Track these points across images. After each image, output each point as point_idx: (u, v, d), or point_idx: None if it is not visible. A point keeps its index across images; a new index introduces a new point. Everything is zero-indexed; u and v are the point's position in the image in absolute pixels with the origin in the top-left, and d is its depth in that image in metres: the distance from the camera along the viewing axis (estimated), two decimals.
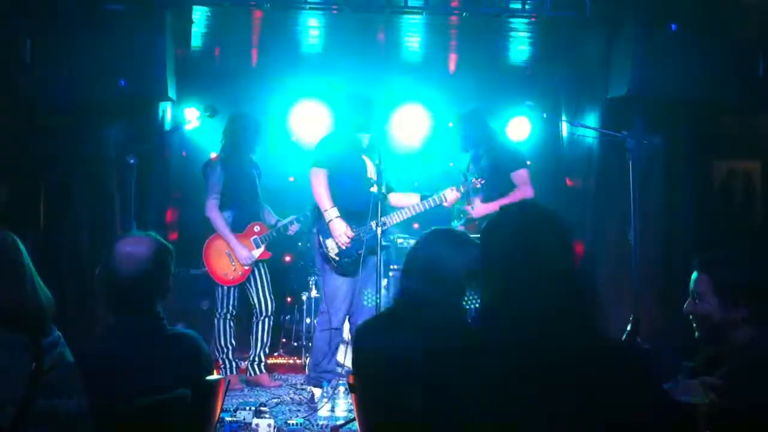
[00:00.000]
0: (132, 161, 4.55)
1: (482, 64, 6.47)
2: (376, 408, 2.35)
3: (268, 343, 5.30)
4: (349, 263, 4.55)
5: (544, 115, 5.16)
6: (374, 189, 4.53)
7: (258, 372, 5.25)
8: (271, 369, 5.56)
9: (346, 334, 4.92)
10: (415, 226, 6.40)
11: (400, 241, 5.97)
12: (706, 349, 2.49)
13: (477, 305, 2.37)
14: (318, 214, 4.66)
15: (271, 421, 3.91)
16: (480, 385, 1.61)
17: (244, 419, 3.96)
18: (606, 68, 5.27)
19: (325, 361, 4.65)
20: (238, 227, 5.17)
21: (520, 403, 1.55)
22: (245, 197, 5.19)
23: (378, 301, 4.26)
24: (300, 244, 6.66)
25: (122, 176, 4.82)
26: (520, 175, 5.01)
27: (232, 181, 5.13)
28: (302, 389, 5.03)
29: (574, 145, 6.18)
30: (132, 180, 4.54)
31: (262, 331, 5.25)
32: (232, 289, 5.19)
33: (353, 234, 4.53)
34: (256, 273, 5.23)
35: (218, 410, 2.43)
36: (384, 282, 5.53)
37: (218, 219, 5.09)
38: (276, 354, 5.57)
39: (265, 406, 4.21)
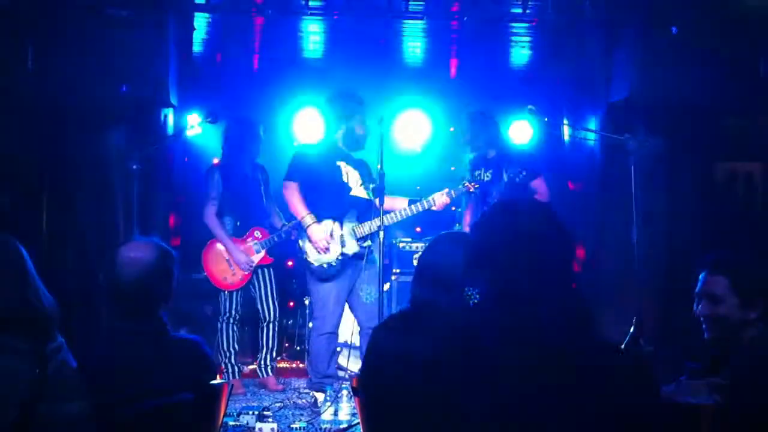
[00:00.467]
0: (134, 167, 4.57)
1: (483, 68, 6.48)
2: (382, 410, 2.35)
3: (275, 347, 5.31)
4: (325, 269, 4.54)
5: (546, 119, 5.16)
6: (356, 193, 4.59)
7: (266, 374, 5.28)
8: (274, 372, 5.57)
9: (348, 338, 4.92)
10: (418, 229, 6.40)
11: (402, 245, 5.97)
12: (710, 350, 2.49)
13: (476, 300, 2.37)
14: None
15: (275, 425, 3.91)
16: (488, 391, 1.61)
17: (247, 423, 3.96)
18: (607, 71, 5.28)
19: (324, 366, 4.65)
20: (239, 232, 5.19)
21: (522, 405, 1.55)
22: (245, 202, 5.19)
23: (380, 297, 4.25)
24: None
25: (125, 182, 4.84)
26: (539, 185, 4.98)
27: (231, 186, 5.14)
28: (305, 393, 5.03)
29: (575, 149, 6.19)
30: (135, 185, 4.56)
31: (268, 335, 5.28)
32: (234, 293, 5.19)
33: (329, 237, 4.53)
34: (261, 278, 5.25)
35: (221, 415, 2.44)
36: (386, 286, 5.55)
37: (215, 225, 5.11)
38: (279, 358, 5.57)
39: (268, 410, 4.22)
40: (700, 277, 2.43)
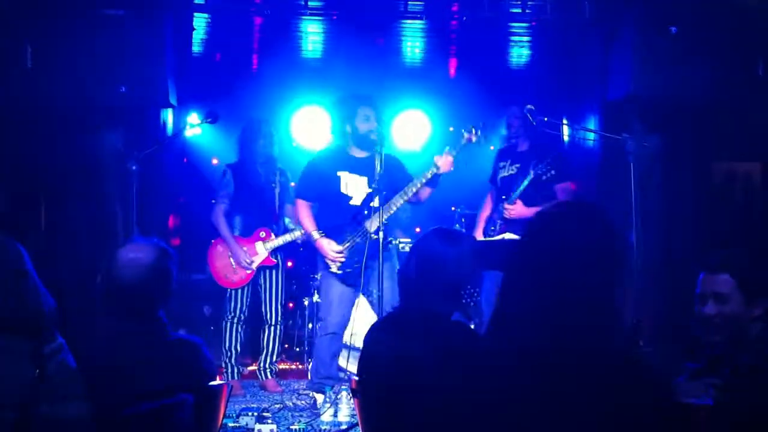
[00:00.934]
0: (133, 167, 4.57)
1: (482, 68, 6.48)
2: (380, 411, 2.35)
3: (275, 350, 5.31)
4: (350, 274, 4.56)
5: (545, 119, 5.15)
6: (357, 201, 4.58)
7: (265, 377, 5.30)
8: None
9: (348, 339, 4.92)
10: (417, 230, 6.40)
11: (401, 245, 5.96)
12: (708, 351, 2.48)
13: (475, 301, 2.36)
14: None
15: (274, 427, 3.91)
16: (487, 391, 1.58)
17: (246, 425, 3.96)
18: (605, 71, 5.27)
19: (325, 367, 4.65)
20: (246, 232, 5.24)
21: (527, 413, 1.53)
22: (253, 203, 5.23)
23: (380, 297, 4.25)
24: (302, 249, 6.67)
25: (123, 182, 4.83)
26: (565, 189, 4.85)
27: (241, 186, 5.22)
28: (305, 394, 5.03)
29: (574, 148, 6.18)
30: (133, 186, 4.55)
31: (269, 338, 5.29)
32: (237, 293, 5.21)
33: (340, 248, 4.54)
34: (266, 280, 5.27)
35: (221, 416, 2.43)
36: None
37: (220, 223, 5.17)
38: (278, 360, 5.58)
39: (267, 411, 4.22)
40: (701, 277, 2.41)
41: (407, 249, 5.90)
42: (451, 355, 2.19)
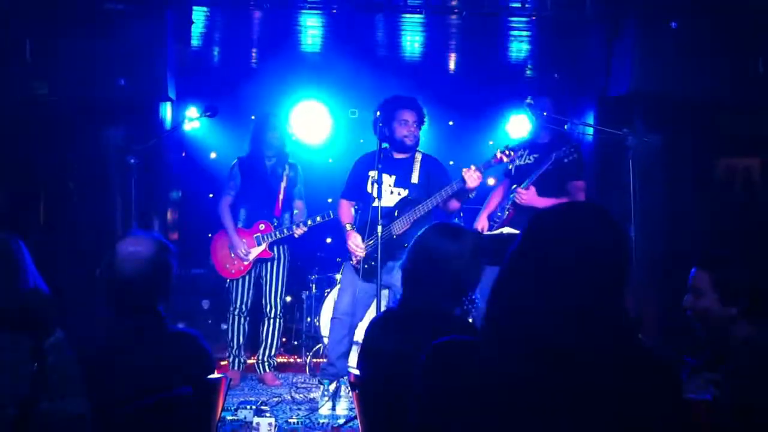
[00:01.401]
0: (132, 161, 4.57)
1: (482, 62, 6.46)
2: (378, 405, 2.35)
3: (273, 344, 5.33)
4: (366, 269, 4.61)
5: (545, 114, 5.14)
6: (377, 202, 4.59)
7: (264, 370, 5.34)
8: None
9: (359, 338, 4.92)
10: None
11: (405, 245, 5.96)
12: (708, 347, 2.50)
13: (475, 307, 2.36)
14: (305, 221, 5.20)
15: (272, 420, 3.92)
16: (488, 388, 1.54)
17: (245, 418, 3.97)
18: (606, 66, 5.26)
19: (332, 352, 4.70)
20: (248, 224, 5.31)
21: (528, 409, 1.51)
22: (256, 196, 5.30)
23: (378, 297, 4.26)
24: (301, 243, 6.67)
25: (123, 176, 4.83)
26: (578, 186, 4.87)
27: (245, 180, 5.32)
28: (303, 388, 5.04)
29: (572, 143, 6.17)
30: (133, 180, 4.55)
31: (267, 331, 5.34)
32: (237, 284, 5.26)
33: (363, 245, 4.61)
34: (267, 273, 5.30)
35: (219, 409, 2.44)
36: None
37: (223, 213, 5.29)
38: (277, 353, 5.59)
39: (265, 404, 4.22)
40: (691, 272, 2.49)
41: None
42: (448, 353, 2.19)
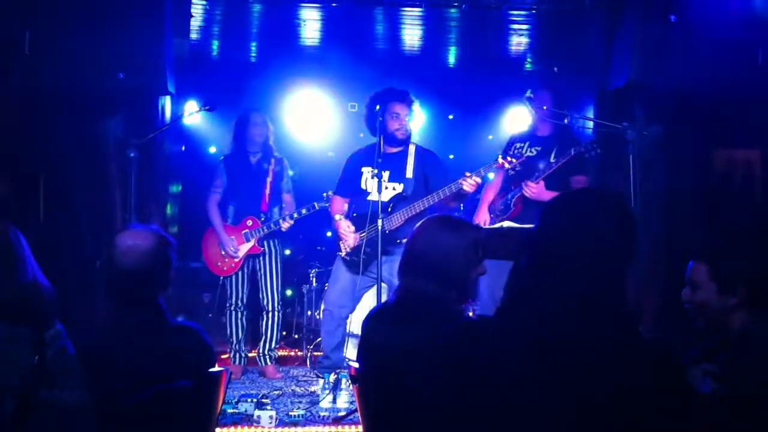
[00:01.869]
0: (132, 154, 4.57)
1: (482, 56, 6.46)
2: (379, 398, 2.36)
3: (274, 337, 5.36)
4: (355, 262, 4.62)
5: (545, 107, 5.14)
6: (374, 197, 4.59)
7: (265, 363, 5.36)
8: None
9: (352, 328, 4.93)
10: None
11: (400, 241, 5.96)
12: (706, 338, 2.50)
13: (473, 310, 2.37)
14: (291, 214, 5.23)
15: (273, 413, 3.93)
16: (492, 377, 1.59)
17: (245, 411, 3.98)
18: (606, 59, 5.25)
19: (325, 345, 4.75)
20: (236, 221, 5.33)
21: (534, 398, 1.54)
22: (243, 192, 5.32)
23: (378, 295, 4.26)
24: (301, 237, 6.68)
25: (122, 169, 4.83)
26: (580, 181, 4.87)
27: (231, 177, 5.34)
28: (304, 381, 5.05)
29: (574, 137, 6.17)
30: (132, 173, 4.56)
31: (267, 324, 5.36)
32: (231, 281, 5.30)
33: (353, 228, 4.63)
34: (261, 267, 5.33)
35: (220, 402, 2.44)
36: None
37: (211, 212, 5.32)
38: (278, 346, 5.61)
39: (266, 397, 4.23)
40: (689, 264, 2.49)
41: None
42: (449, 344, 2.19)
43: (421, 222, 2.45)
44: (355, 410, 3.90)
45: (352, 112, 6.98)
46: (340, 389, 4.31)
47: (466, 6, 5.29)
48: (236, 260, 5.24)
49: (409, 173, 4.65)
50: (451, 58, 6.72)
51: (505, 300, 1.68)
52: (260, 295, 5.35)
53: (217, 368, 2.38)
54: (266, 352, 5.34)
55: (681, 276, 2.56)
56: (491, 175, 5.19)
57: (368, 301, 4.83)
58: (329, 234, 6.78)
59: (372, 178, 4.63)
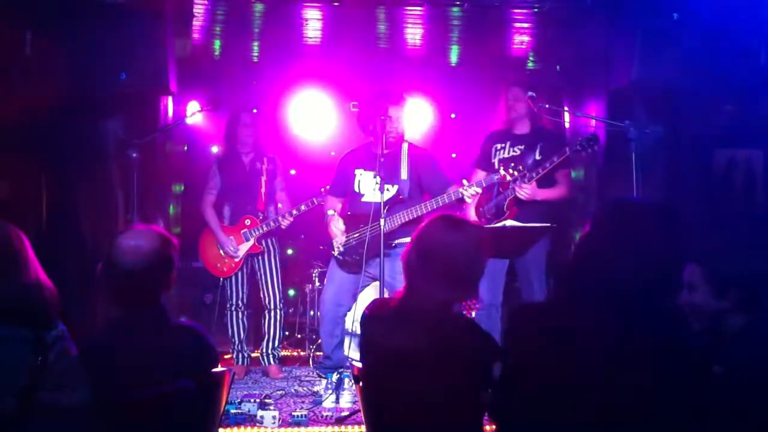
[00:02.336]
0: (134, 155, 4.58)
1: (484, 55, 6.45)
2: (382, 399, 2.35)
3: (277, 336, 5.36)
4: (349, 262, 4.61)
5: (546, 106, 5.13)
6: (369, 198, 4.59)
7: (268, 363, 5.36)
8: None
9: (350, 327, 4.93)
10: None
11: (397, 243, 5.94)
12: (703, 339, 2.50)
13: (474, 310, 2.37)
14: (289, 212, 5.21)
15: (276, 413, 3.93)
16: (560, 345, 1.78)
17: (248, 411, 3.98)
18: (608, 58, 5.25)
19: (325, 344, 4.74)
20: (233, 221, 5.33)
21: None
22: (238, 192, 5.32)
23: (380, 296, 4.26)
24: (303, 236, 6.68)
25: (124, 170, 4.83)
26: (566, 174, 4.85)
27: (224, 178, 5.34)
28: (307, 381, 5.05)
29: (576, 136, 6.17)
30: (134, 173, 4.56)
31: (269, 324, 5.37)
32: (232, 280, 5.30)
33: (342, 227, 4.63)
34: (261, 267, 5.32)
35: (223, 402, 2.44)
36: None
37: (207, 213, 5.32)
38: (280, 346, 5.62)
39: (269, 398, 4.23)
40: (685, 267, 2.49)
41: None
42: (452, 344, 2.20)
43: (433, 222, 2.44)
44: (358, 410, 3.89)
45: (354, 112, 6.97)
46: (343, 389, 4.31)
47: (467, 5, 5.28)
48: (236, 260, 5.24)
49: (404, 174, 4.64)
50: (453, 57, 6.71)
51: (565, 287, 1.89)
52: (261, 295, 5.35)
53: (219, 368, 2.38)
54: (269, 351, 5.34)
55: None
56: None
57: (366, 300, 4.83)
58: None
59: (373, 178, 4.62)
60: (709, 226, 4.88)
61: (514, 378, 1.91)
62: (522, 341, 1.91)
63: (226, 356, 5.46)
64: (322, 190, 5.16)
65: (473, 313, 4.88)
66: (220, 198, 5.35)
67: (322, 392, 4.46)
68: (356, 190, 4.72)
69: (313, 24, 5.84)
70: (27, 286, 1.92)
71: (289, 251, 6.75)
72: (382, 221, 4.27)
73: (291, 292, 6.53)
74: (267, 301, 5.34)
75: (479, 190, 4.42)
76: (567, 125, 6.39)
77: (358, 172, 4.74)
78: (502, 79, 6.29)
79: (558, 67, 6.48)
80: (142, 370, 2.18)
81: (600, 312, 1.75)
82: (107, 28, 4.70)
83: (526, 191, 4.59)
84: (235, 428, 3.85)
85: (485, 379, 2.24)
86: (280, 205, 5.39)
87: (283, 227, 5.23)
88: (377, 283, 4.41)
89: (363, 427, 3.67)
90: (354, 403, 4.19)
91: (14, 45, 4.55)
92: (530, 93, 4.91)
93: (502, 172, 4.44)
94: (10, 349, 1.81)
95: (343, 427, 3.91)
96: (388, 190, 4.56)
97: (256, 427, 3.88)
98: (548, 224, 4.63)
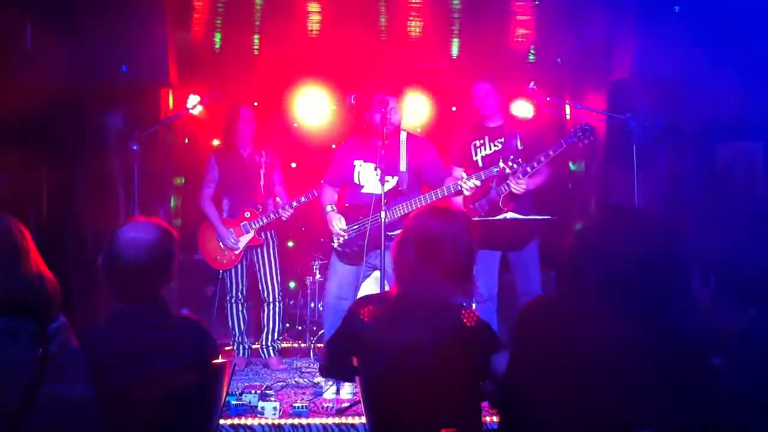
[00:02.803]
0: (135, 147, 4.58)
1: (484, 47, 6.43)
2: (382, 391, 2.36)
3: (276, 328, 5.37)
4: (349, 254, 4.61)
5: (548, 98, 5.12)
6: (369, 189, 4.59)
7: (267, 355, 5.38)
8: None
9: None
10: None
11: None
12: (708, 336, 2.50)
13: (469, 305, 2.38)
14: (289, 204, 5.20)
15: (277, 404, 3.94)
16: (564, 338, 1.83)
17: (249, 402, 3.99)
18: (609, 50, 5.24)
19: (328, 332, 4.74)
20: (233, 214, 5.33)
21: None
22: (237, 185, 5.32)
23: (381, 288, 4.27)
24: (304, 228, 6.69)
25: (125, 162, 4.84)
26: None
27: (224, 170, 5.33)
28: (307, 373, 5.07)
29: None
30: (135, 166, 4.56)
31: (268, 316, 5.38)
32: (232, 273, 5.31)
33: (343, 225, 4.62)
34: (260, 259, 5.32)
35: (224, 394, 2.45)
36: None
37: (206, 206, 5.32)
38: (281, 338, 5.63)
39: (270, 389, 4.25)
40: None
41: None
42: (448, 338, 2.21)
43: (414, 214, 2.44)
44: (359, 401, 3.91)
45: (353, 104, 6.96)
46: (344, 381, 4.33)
47: None
48: (236, 253, 5.25)
49: (403, 166, 4.64)
50: (454, 50, 6.70)
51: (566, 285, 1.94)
52: (260, 287, 5.36)
53: (220, 360, 2.39)
54: (269, 344, 5.36)
55: None
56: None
57: (368, 291, 4.84)
58: None
59: (374, 170, 4.62)
60: (710, 219, 4.89)
61: (521, 370, 1.92)
62: (530, 334, 1.94)
63: (226, 348, 5.48)
64: (322, 181, 5.15)
65: (474, 306, 4.89)
66: (219, 191, 5.36)
67: (322, 383, 4.47)
68: (356, 181, 4.72)
69: (313, 16, 5.83)
70: (28, 277, 1.92)
71: (290, 243, 6.76)
72: (383, 213, 4.27)
73: (291, 284, 6.54)
74: (266, 294, 5.35)
75: (478, 183, 4.42)
76: (568, 118, 6.39)
77: (357, 162, 4.73)
78: (503, 72, 6.29)
79: (559, 59, 6.47)
80: (143, 362, 2.19)
81: (603, 308, 1.80)
82: (108, 22, 4.70)
83: (522, 186, 4.59)
84: (236, 419, 3.87)
85: (484, 370, 2.25)
86: (278, 199, 5.39)
87: (283, 219, 5.24)
88: (377, 273, 4.41)
89: (363, 419, 3.69)
90: (354, 394, 4.21)
91: (15, 37, 4.55)
92: (531, 85, 4.90)
93: (501, 164, 4.43)
94: (11, 342, 1.82)
95: (343, 418, 3.93)
96: (388, 181, 4.56)
97: (257, 418, 3.89)
98: (550, 216, 4.63)
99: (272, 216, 5.22)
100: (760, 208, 5.02)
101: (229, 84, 6.42)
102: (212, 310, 5.94)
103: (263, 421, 3.87)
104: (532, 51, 6.57)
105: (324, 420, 3.91)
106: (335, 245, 4.69)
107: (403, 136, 4.72)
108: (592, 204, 5.83)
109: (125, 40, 4.72)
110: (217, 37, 6.32)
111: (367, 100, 4.63)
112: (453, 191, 4.44)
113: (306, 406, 4.01)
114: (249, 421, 3.86)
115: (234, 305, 5.32)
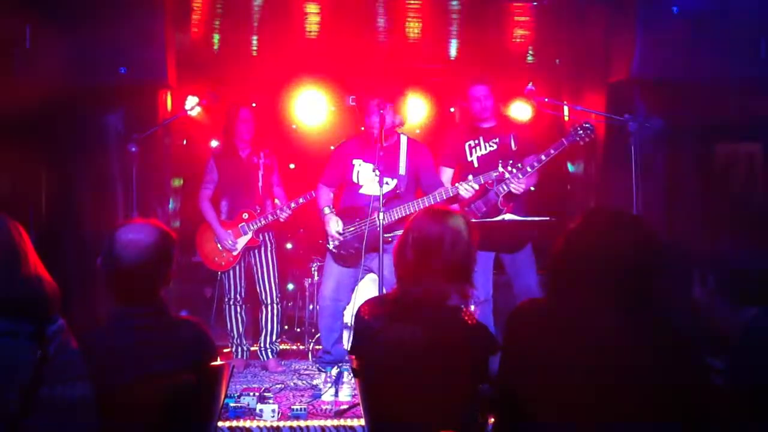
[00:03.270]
0: (133, 149, 4.57)
1: (483, 48, 6.43)
2: (381, 393, 2.36)
3: (274, 330, 5.36)
4: (345, 256, 4.63)
5: (546, 99, 5.12)
6: (367, 190, 4.60)
7: (265, 357, 5.37)
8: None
9: (350, 321, 4.94)
10: None
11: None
12: (709, 336, 2.50)
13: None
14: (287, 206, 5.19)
15: (275, 407, 3.94)
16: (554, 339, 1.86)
17: (248, 405, 3.99)
18: (607, 51, 5.24)
19: (324, 339, 4.82)
20: (231, 215, 5.33)
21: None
22: (235, 186, 5.32)
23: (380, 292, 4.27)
24: (302, 230, 6.68)
25: (123, 164, 4.83)
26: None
27: (223, 171, 5.33)
28: (306, 375, 5.06)
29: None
30: (133, 168, 4.56)
31: (266, 318, 5.37)
32: (230, 275, 5.31)
33: (340, 228, 4.62)
34: (257, 261, 5.32)
35: (222, 396, 2.45)
36: None
37: (204, 208, 5.32)
38: (279, 340, 5.63)
39: (268, 391, 4.24)
40: None
41: None
42: (446, 340, 2.21)
43: (413, 217, 2.44)
44: (358, 403, 3.90)
45: (353, 106, 6.96)
46: (342, 383, 4.32)
47: None
48: (235, 254, 5.25)
49: (402, 170, 4.65)
50: (452, 51, 6.70)
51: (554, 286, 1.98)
52: (258, 289, 5.35)
53: (219, 362, 2.39)
54: (267, 346, 5.35)
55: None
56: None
57: (363, 293, 4.83)
58: None
59: (372, 171, 4.62)
60: (709, 220, 4.89)
61: (511, 370, 1.94)
62: (521, 335, 1.96)
63: (225, 350, 5.47)
64: (319, 182, 5.15)
65: (472, 308, 4.88)
66: (217, 192, 5.36)
67: (321, 386, 4.47)
68: (354, 180, 4.72)
69: (311, 17, 5.83)
70: (27, 279, 1.92)
71: (288, 245, 6.75)
72: (381, 215, 4.27)
73: (290, 286, 6.53)
74: (264, 296, 5.34)
75: (477, 187, 4.44)
76: (566, 119, 6.39)
77: (356, 162, 4.74)
78: (502, 73, 6.30)
79: (557, 60, 6.47)
80: (141, 364, 2.18)
81: (591, 308, 1.85)
82: (107, 23, 4.69)
83: (522, 185, 4.60)
84: (235, 421, 3.86)
85: (483, 372, 2.25)
86: (276, 200, 5.38)
87: (281, 220, 5.23)
88: (373, 275, 4.41)
89: (362, 421, 3.68)
90: (353, 396, 4.20)
91: (14, 38, 4.54)
92: (529, 86, 4.91)
93: (500, 169, 4.44)
94: (10, 343, 1.81)
95: (342, 420, 3.92)
96: (387, 183, 4.56)
97: (255, 421, 3.89)
98: (547, 218, 4.63)
99: (270, 218, 5.22)
100: (759, 209, 5.03)
101: (227, 85, 6.41)
102: (211, 312, 5.94)
103: (262, 424, 3.86)
104: (530, 52, 6.57)
105: (323, 422, 3.90)
106: (331, 247, 4.69)
107: (403, 139, 4.73)
108: (591, 205, 5.83)
109: (124, 42, 4.71)
110: (216, 39, 6.31)
111: (368, 101, 4.65)
112: (452, 194, 4.46)
113: (304, 408, 4.01)
114: (247, 424, 3.86)
115: (232, 307, 5.32)
